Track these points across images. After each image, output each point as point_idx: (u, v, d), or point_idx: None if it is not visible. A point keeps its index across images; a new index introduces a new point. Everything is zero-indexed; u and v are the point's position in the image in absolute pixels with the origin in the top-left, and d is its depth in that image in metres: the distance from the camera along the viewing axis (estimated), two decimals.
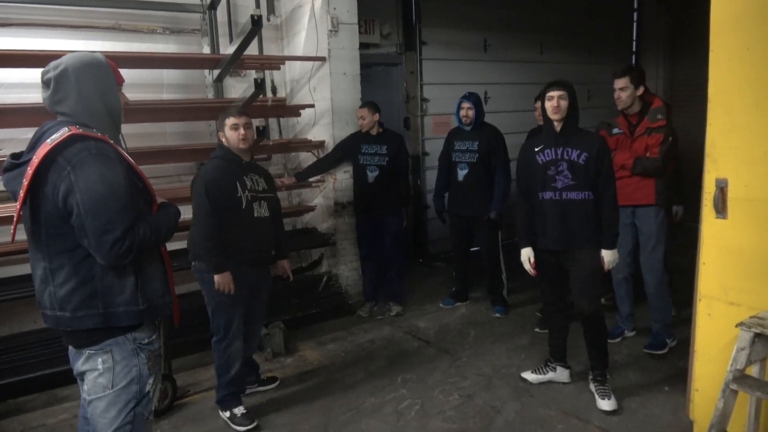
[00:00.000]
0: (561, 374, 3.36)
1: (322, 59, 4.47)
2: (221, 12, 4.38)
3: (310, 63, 4.56)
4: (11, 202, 3.36)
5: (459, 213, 4.55)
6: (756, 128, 2.27)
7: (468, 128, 4.40)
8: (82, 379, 1.88)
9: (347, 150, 4.48)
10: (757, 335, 2.19)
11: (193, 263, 3.02)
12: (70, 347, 1.89)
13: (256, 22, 3.58)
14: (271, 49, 4.76)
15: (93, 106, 1.79)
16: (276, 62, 4.66)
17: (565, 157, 2.99)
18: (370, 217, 4.53)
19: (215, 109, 4.21)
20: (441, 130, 5.58)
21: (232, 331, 3.00)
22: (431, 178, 5.65)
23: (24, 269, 3.59)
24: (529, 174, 3.13)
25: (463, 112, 4.38)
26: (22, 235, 1.82)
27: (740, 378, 2.21)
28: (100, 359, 1.81)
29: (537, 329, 4.20)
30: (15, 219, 1.77)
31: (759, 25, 2.22)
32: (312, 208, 4.82)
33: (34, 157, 1.68)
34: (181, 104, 3.98)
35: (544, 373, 3.37)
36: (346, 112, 4.60)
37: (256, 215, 3.01)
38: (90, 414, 1.87)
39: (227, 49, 4.24)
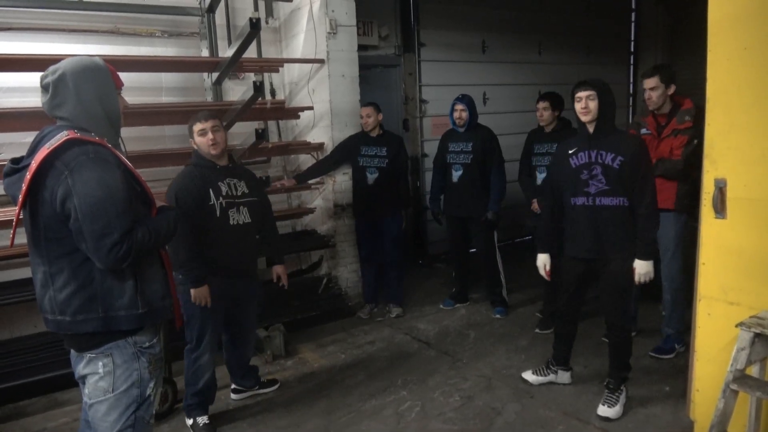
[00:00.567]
0: (562, 376, 3.35)
1: (321, 61, 4.48)
2: (220, 15, 4.38)
3: (309, 65, 4.56)
4: (12, 206, 3.36)
5: (455, 214, 4.55)
6: (755, 128, 2.27)
7: (462, 130, 4.41)
8: (83, 383, 1.88)
9: (347, 152, 4.48)
10: (757, 335, 2.19)
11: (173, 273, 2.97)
12: (72, 351, 1.89)
13: (255, 25, 3.59)
14: (269, 52, 4.76)
15: (92, 110, 1.80)
16: (275, 65, 4.66)
17: (599, 160, 2.83)
18: (370, 218, 4.53)
19: (214, 112, 4.20)
20: (440, 132, 5.56)
21: (203, 344, 2.94)
22: (430, 179, 5.64)
23: (24, 273, 3.59)
24: (560, 177, 3.01)
25: (456, 114, 4.39)
26: (21, 239, 1.82)
27: (740, 378, 2.21)
28: (100, 363, 1.82)
29: (537, 330, 4.20)
30: (14, 223, 1.77)
31: (757, 25, 2.22)
32: (311, 210, 4.82)
33: (33, 161, 1.68)
34: (180, 107, 3.97)
35: (545, 375, 3.36)
36: (345, 114, 4.60)
37: (232, 223, 2.90)
38: (91, 417, 1.87)
39: (226, 52, 4.23)
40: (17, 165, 1.78)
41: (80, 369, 1.86)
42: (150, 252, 1.87)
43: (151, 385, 1.90)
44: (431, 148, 6.01)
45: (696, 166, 3.34)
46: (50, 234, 1.73)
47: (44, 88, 1.79)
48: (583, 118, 2.86)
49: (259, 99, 3.94)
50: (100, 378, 1.82)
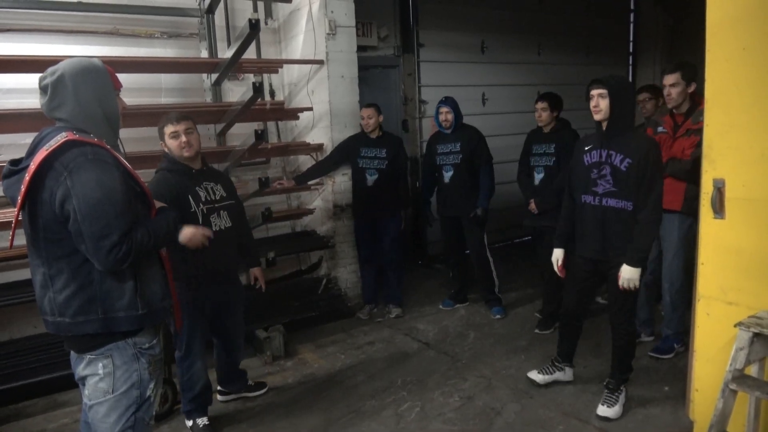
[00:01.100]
0: (567, 373, 3.35)
1: (320, 62, 4.48)
2: (219, 16, 4.38)
3: (308, 66, 4.56)
4: (11, 208, 3.36)
5: (448, 214, 4.56)
6: (753, 128, 2.27)
7: (448, 131, 4.42)
8: (83, 384, 1.88)
9: (346, 153, 4.48)
10: (755, 335, 2.19)
11: None
12: (72, 352, 1.90)
13: (254, 26, 3.59)
14: (269, 53, 4.77)
15: (90, 111, 1.80)
16: (274, 66, 4.67)
17: (609, 160, 2.80)
18: (369, 219, 4.53)
19: (214, 113, 4.22)
20: None
21: (193, 351, 2.92)
22: None
23: (23, 274, 3.59)
24: (575, 174, 3.00)
25: (442, 117, 4.40)
26: (20, 241, 1.82)
27: (739, 378, 2.21)
28: (100, 364, 1.82)
29: (537, 330, 4.20)
30: (13, 225, 1.77)
31: (756, 25, 2.22)
32: (311, 211, 4.82)
33: (32, 163, 1.68)
34: (180, 108, 3.97)
35: (551, 373, 3.34)
36: (345, 115, 4.60)
37: (215, 229, 2.79)
38: (91, 419, 1.87)
39: (225, 53, 4.23)
40: (16, 166, 1.78)
41: (80, 370, 1.86)
42: (149, 253, 1.87)
43: (151, 386, 1.90)
44: None
45: None
46: (49, 235, 1.74)
47: (43, 89, 1.79)
48: (595, 117, 2.83)
49: (259, 100, 3.94)
50: (100, 379, 1.82)
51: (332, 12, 4.42)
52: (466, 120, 4.51)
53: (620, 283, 2.79)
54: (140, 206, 1.87)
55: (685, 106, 3.36)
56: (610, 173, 2.81)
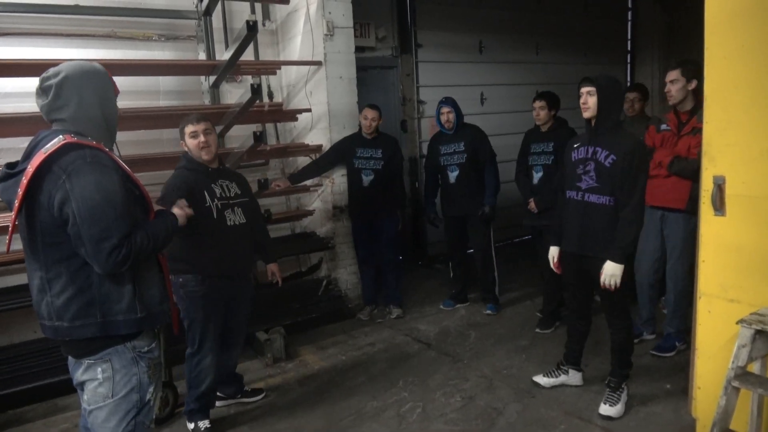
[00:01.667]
0: (573, 377, 3.32)
1: (318, 63, 4.47)
2: (217, 18, 4.38)
3: (306, 67, 4.56)
4: (7, 212, 3.35)
5: (453, 214, 4.56)
6: (753, 125, 2.27)
7: (450, 132, 4.42)
8: (82, 389, 1.87)
9: (341, 153, 4.48)
10: (757, 332, 2.19)
11: (170, 277, 2.97)
12: (70, 357, 1.88)
13: (252, 28, 3.58)
14: (267, 54, 4.76)
15: (91, 113, 1.80)
16: (272, 67, 4.66)
17: (595, 157, 2.85)
18: (366, 220, 4.53)
19: (212, 115, 4.19)
20: None
21: (205, 347, 2.95)
22: None
23: (21, 279, 3.58)
24: (565, 171, 3.04)
25: (444, 117, 4.40)
26: (18, 245, 1.81)
27: (742, 375, 2.21)
28: (99, 369, 1.81)
29: (537, 330, 4.19)
30: (10, 229, 1.76)
31: (754, 22, 2.22)
32: (310, 212, 4.82)
33: (29, 166, 1.67)
34: (178, 111, 3.97)
35: (557, 377, 3.32)
36: (343, 116, 4.60)
37: (229, 224, 2.91)
38: (90, 424, 1.86)
39: (223, 54, 4.23)
40: (12, 170, 1.76)
41: (79, 375, 1.85)
42: (148, 256, 1.86)
43: (151, 389, 1.89)
44: None
45: None
46: (47, 239, 1.73)
47: (44, 90, 1.77)
48: (584, 114, 2.88)
49: (257, 101, 3.94)
50: (99, 384, 1.81)
51: (330, 13, 4.42)
52: (464, 120, 4.51)
53: (602, 279, 2.82)
54: (139, 209, 1.86)
55: (689, 103, 3.33)
56: (594, 169, 2.86)
